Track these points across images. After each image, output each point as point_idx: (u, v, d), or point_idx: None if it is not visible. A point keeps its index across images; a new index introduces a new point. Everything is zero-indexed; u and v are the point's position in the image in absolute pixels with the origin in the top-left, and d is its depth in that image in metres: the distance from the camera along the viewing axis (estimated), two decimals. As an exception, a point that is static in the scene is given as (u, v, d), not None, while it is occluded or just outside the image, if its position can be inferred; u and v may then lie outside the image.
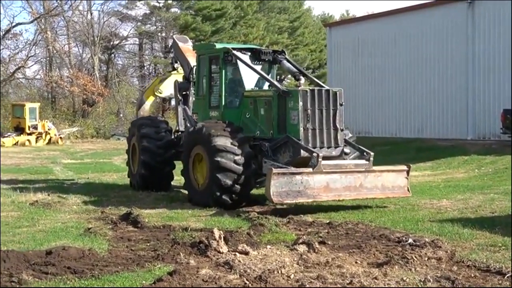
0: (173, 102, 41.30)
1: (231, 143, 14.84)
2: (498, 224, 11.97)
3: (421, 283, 8.02)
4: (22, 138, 45.53)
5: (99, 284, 8.12)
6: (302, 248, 9.81)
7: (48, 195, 17.11)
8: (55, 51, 61.23)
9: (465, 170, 23.67)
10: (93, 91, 57.37)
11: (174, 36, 21.39)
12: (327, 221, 12.88)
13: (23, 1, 67.77)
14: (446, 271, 8.59)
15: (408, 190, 15.45)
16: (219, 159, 14.65)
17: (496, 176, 21.52)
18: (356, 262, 9.17)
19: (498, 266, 8.69)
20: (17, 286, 8.01)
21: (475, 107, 31.76)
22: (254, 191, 16.11)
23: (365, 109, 37.99)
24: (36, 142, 46.20)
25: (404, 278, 8.20)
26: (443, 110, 33.63)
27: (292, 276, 8.28)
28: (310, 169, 14.14)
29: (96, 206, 15.50)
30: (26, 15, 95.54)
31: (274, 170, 13.73)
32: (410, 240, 10.34)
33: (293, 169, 14.13)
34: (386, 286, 7.95)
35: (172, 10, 66.73)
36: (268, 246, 10.13)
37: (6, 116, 52.12)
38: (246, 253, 9.50)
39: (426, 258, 9.18)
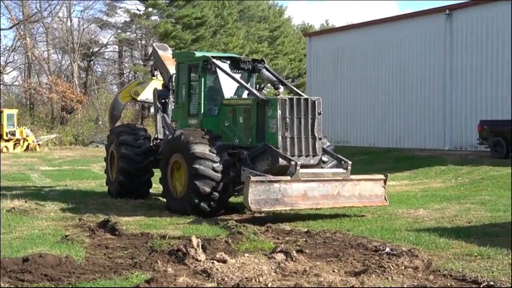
0: (152, 110, 41.29)
1: (210, 151, 14.83)
2: (474, 234, 12.07)
3: (398, 291, 8.07)
4: (0, 144, 45.22)
5: (76, 292, 8.09)
6: (280, 257, 9.82)
7: (25, 202, 16.99)
8: (34, 58, 60.96)
9: (442, 180, 23.84)
10: (72, 98, 57.13)
11: (154, 44, 21.38)
12: (305, 230, 12.90)
13: (2, 6, 67.41)
14: (422, 280, 8.64)
15: (386, 199, 15.54)
16: (197, 166, 14.63)
17: (472, 186, 21.70)
18: (333, 271, 9.20)
19: (473, 276, 8.75)
20: (-7, 293, 7.96)
21: (453, 117, 32.06)
22: (233, 199, 16.11)
23: (343, 119, 38.20)
24: (14, 148, 45.94)
25: (381, 287, 8.24)
26: (421, 120, 33.89)
27: (269, 285, 8.29)
28: (288, 177, 14.18)
29: (74, 213, 15.41)
30: (5, 21, 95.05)
31: (252, 178, 13.74)
32: (387, 249, 10.39)
33: (271, 177, 14.14)
34: (363, 294, 8.00)
35: (152, 18, 66.63)
36: (246, 254, 10.13)
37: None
38: (224, 261, 9.49)
39: (403, 267, 9.23)
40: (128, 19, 66.95)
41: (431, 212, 15.49)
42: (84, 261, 9.92)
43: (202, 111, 16.57)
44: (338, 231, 12.75)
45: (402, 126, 34.93)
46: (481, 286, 8.32)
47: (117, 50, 69.96)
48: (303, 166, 14.52)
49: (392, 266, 9.16)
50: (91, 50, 65.06)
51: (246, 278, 8.49)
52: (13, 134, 46.51)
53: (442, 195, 19.20)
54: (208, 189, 14.60)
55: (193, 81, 17.04)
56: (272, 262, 9.61)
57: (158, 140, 18.75)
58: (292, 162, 14.42)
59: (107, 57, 70.75)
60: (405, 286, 8.24)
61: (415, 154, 31.08)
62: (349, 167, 15.12)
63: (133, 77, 68.24)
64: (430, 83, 33.38)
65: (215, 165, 14.70)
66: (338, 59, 39.05)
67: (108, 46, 68.83)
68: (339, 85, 38.84)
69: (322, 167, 15.42)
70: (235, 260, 9.66)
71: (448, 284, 8.46)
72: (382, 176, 15.69)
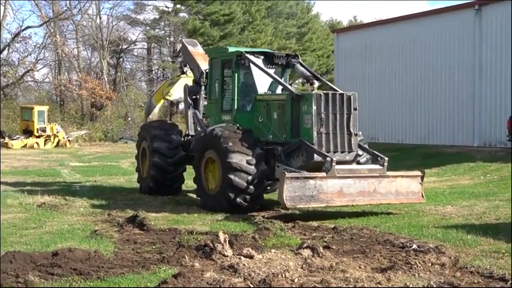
0: (181, 106, 41.35)
1: (247, 162, 14.63)
2: (502, 231, 11.98)
3: (424, 288, 8.05)
4: (31, 140, 45.76)
5: (105, 286, 8.19)
6: (306, 253, 9.84)
7: (55, 197, 17.21)
8: (64, 55, 61.45)
9: (471, 176, 23.65)
10: (102, 95, 57.53)
11: (183, 40, 21.33)
12: (332, 226, 12.91)
13: (32, 4, 67.96)
14: (449, 277, 8.61)
15: (423, 196, 15.27)
16: (232, 177, 14.48)
17: (501, 183, 21.47)
18: (360, 267, 9.20)
19: (501, 273, 8.71)
20: (23, 287, 8.08)
21: (482, 114, 31.72)
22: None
23: (371, 115, 37.96)
24: (45, 144, 46.42)
25: (408, 284, 8.22)
26: (449, 116, 33.59)
27: (296, 280, 8.32)
28: (324, 174, 13.94)
29: (103, 208, 15.58)
30: (35, 19, 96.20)
31: (287, 174, 13.56)
32: (414, 246, 10.36)
33: (306, 174, 13.93)
34: (389, 290, 8.00)
35: (181, 15, 66.88)
36: (273, 250, 10.16)
37: (14, 119, 52.47)
38: (251, 257, 9.53)
39: (430, 264, 9.20)
40: (156, 16, 67.33)
41: (459, 209, 15.41)
42: (113, 255, 10.04)
43: (236, 107, 16.44)
44: (365, 227, 12.74)
45: (430, 122, 34.64)
46: (509, 283, 8.27)
47: (145, 47, 70.28)
48: (338, 162, 14.26)
49: (419, 262, 9.14)
50: (120, 47, 65.36)
51: (273, 273, 8.52)
52: (44, 130, 47.02)
53: (470, 192, 19.06)
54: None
55: (226, 77, 16.89)
56: (298, 258, 9.63)
57: (190, 137, 18.66)
58: (328, 158, 14.15)
59: (136, 54, 71.10)
60: (432, 283, 8.22)
61: (443, 150, 30.83)
62: (386, 164, 14.89)
63: (161, 74, 68.58)
64: (459, 79, 33.08)
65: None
66: (366, 55, 38.83)
67: (137, 43, 69.21)
68: (367, 81, 38.64)
69: (359, 162, 15.23)
70: (262, 256, 9.69)
71: (476, 281, 8.43)
72: (419, 173, 15.46)
